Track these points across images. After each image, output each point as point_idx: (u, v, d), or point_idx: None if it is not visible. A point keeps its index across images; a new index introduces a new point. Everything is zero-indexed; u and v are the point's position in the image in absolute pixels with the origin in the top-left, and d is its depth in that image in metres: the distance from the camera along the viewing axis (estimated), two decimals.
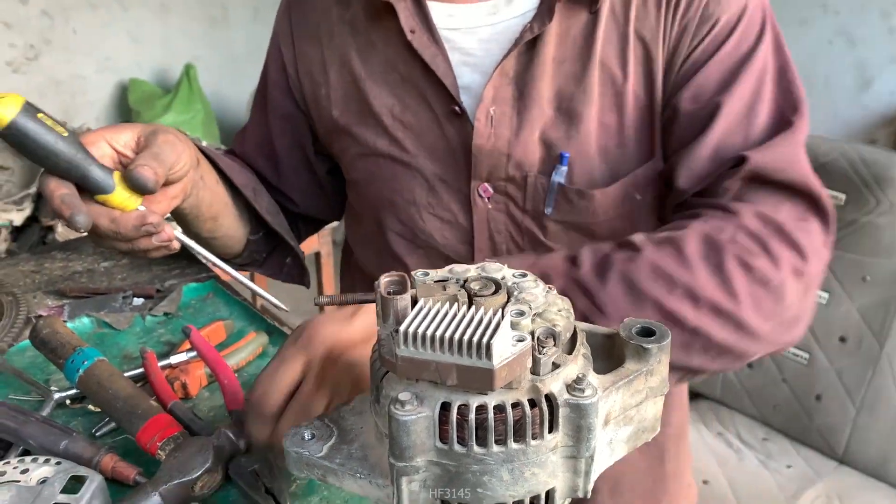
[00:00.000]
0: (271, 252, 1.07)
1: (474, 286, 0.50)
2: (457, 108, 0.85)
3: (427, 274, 0.53)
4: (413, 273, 0.52)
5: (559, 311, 0.49)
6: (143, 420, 0.73)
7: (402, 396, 0.46)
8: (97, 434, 0.79)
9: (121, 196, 0.76)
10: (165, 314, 1.01)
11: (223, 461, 0.71)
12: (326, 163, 1.05)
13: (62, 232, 2.29)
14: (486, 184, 0.86)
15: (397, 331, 0.46)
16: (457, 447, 0.47)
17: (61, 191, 0.73)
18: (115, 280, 1.10)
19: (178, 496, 0.68)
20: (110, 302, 1.02)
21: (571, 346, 0.50)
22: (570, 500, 0.51)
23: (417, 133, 0.88)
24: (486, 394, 0.46)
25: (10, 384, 0.87)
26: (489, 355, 0.44)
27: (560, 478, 0.49)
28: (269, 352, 0.92)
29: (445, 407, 0.46)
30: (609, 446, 0.51)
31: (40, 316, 0.95)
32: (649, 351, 0.51)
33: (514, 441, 0.46)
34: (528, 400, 0.46)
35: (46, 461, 0.68)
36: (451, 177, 0.87)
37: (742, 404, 2.25)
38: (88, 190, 0.75)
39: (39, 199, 2.40)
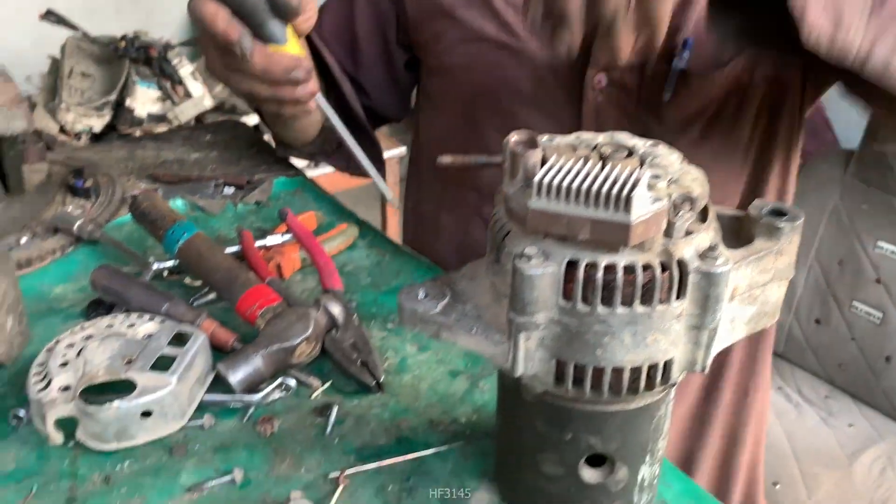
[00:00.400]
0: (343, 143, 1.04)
1: (606, 150, 0.49)
2: None
3: (553, 139, 0.52)
4: (539, 139, 0.51)
5: (694, 179, 0.48)
6: (244, 289, 0.75)
7: (529, 251, 0.46)
8: (194, 304, 0.80)
9: (290, 49, 0.74)
10: (256, 203, 1.02)
11: (321, 334, 0.72)
12: (405, 54, 1.00)
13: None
14: (602, 73, 0.83)
15: (530, 183, 0.45)
16: (580, 306, 0.46)
17: (224, 14, 0.69)
18: (205, 170, 1.12)
19: (277, 361, 0.69)
20: (202, 188, 1.04)
21: (703, 217, 0.48)
22: (684, 373, 0.50)
23: None
24: (616, 252, 0.45)
25: (109, 255, 0.89)
26: (627, 209, 0.43)
27: (680, 348, 0.48)
28: (358, 244, 0.93)
29: (572, 264, 0.46)
30: (731, 324, 0.50)
31: (136, 195, 0.96)
32: (781, 230, 0.50)
33: (641, 304, 0.46)
34: (660, 263, 0.45)
35: (151, 318, 0.70)
36: (565, 66, 0.84)
37: (805, 361, 2.21)
38: (261, 38, 0.73)
39: (118, 107, 2.44)
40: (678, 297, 0.46)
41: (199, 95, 2.41)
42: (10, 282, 0.73)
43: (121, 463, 0.62)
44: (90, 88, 2.46)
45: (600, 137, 0.52)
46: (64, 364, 0.65)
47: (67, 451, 0.63)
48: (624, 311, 0.46)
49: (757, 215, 0.51)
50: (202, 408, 0.67)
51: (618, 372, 0.48)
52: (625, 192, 0.43)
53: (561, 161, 0.46)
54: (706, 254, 0.46)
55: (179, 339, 0.67)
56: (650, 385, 0.49)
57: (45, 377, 0.64)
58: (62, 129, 2.37)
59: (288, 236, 0.88)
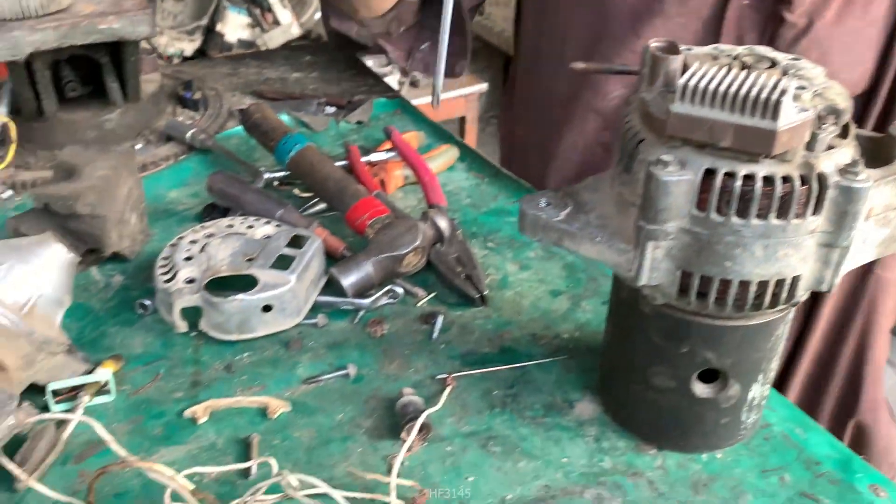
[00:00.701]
0: (420, 25, 0.96)
1: (747, 59, 0.48)
2: None
3: (691, 49, 0.51)
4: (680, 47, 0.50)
5: (838, 94, 0.46)
6: (354, 200, 0.76)
7: (666, 157, 0.46)
8: (303, 212, 0.83)
9: None
10: (358, 122, 1.03)
11: (427, 245, 0.74)
12: None
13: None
14: None
15: (671, 88, 0.45)
16: (714, 216, 0.46)
17: None
18: (307, 89, 1.14)
19: (387, 268, 0.71)
20: (306, 106, 1.06)
21: (844, 133, 0.47)
22: (809, 292, 0.50)
23: None
24: (756, 162, 0.45)
25: (220, 164, 0.92)
26: (775, 115, 0.42)
27: (809, 266, 0.48)
28: (458, 166, 0.94)
29: (710, 173, 0.45)
30: (862, 244, 0.50)
31: (248, 107, 0.99)
32: None
33: (776, 217, 0.45)
34: (800, 175, 0.45)
35: (268, 222, 0.73)
36: None
37: None
38: None
39: (209, 32, 2.48)
40: (814, 212, 0.46)
41: (288, 23, 2.43)
42: (135, 181, 0.77)
43: (241, 353, 0.66)
44: (182, 13, 2.50)
45: (740, 49, 0.51)
46: (188, 258, 0.68)
47: (191, 339, 0.67)
48: (759, 222, 0.45)
49: None
50: (315, 308, 0.70)
51: (744, 285, 0.48)
52: (773, 97, 0.42)
53: (704, 67, 0.46)
54: (846, 169, 0.45)
55: (296, 242, 0.70)
56: (775, 301, 0.49)
57: (170, 269, 0.67)
58: (153, 52, 2.42)
59: (392, 153, 0.89)
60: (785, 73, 0.48)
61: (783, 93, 0.42)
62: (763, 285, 0.48)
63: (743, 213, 0.45)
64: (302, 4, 2.47)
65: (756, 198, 0.45)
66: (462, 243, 0.76)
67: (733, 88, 0.43)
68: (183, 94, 1.04)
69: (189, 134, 0.94)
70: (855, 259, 0.50)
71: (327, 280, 0.71)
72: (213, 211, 0.82)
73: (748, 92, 0.43)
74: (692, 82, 0.44)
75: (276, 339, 0.67)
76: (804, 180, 0.45)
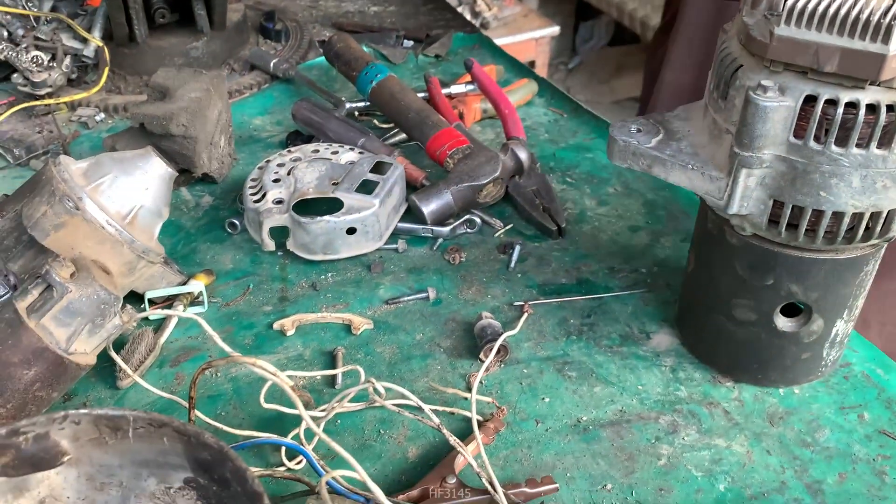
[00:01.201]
0: None
1: None
2: None
3: None
4: None
5: None
6: (435, 130, 0.77)
7: (766, 83, 0.45)
8: (385, 142, 0.84)
9: None
10: (436, 56, 1.03)
11: (507, 177, 0.74)
12: None
13: None
14: None
15: (774, 11, 0.44)
16: (812, 144, 0.45)
17: None
18: (385, 22, 1.14)
19: (466, 198, 0.72)
20: (385, 38, 1.06)
21: None
22: None
23: None
24: (860, 89, 0.44)
25: (303, 93, 0.94)
26: (887, 38, 0.41)
27: None
28: (536, 101, 0.93)
29: (810, 100, 0.45)
30: None
31: (331, 37, 1.00)
32: None
33: (878, 146, 0.44)
34: None
35: (351, 149, 0.74)
36: None
37: None
38: None
39: None
40: None
41: None
42: (224, 104, 0.79)
43: (325, 273, 0.68)
44: None
45: None
46: (276, 180, 0.70)
47: (278, 258, 0.70)
48: (859, 152, 0.45)
49: None
50: (395, 234, 0.71)
51: (838, 217, 0.47)
52: (886, 20, 0.41)
53: None
54: None
55: (379, 168, 0.71)
56: (868, 235, 0.48)
57: (259, 190, 0.70)
58: None
59: (471, 86, 0.89)
60: None
61: (890, 20, 0.41)
62: (857, 217, 0.47)
63: (843, 141, 0.45)
64: None
65: (858, 126, 0.44)
66: (541, 176, 0.77)
67: (843, 10, 0.42)
68: (265, 25, 1.06)
69: (272, 63, 0.96)
70: None
71: (408, 207, 0.72)
72: (297, 138, 0.84)
73: (859, 14, 0.42)
74: (799, 3, 0.43)
75: (359, 262, 0.69)
76: None
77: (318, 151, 0.73)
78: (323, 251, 0.68)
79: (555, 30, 2.61)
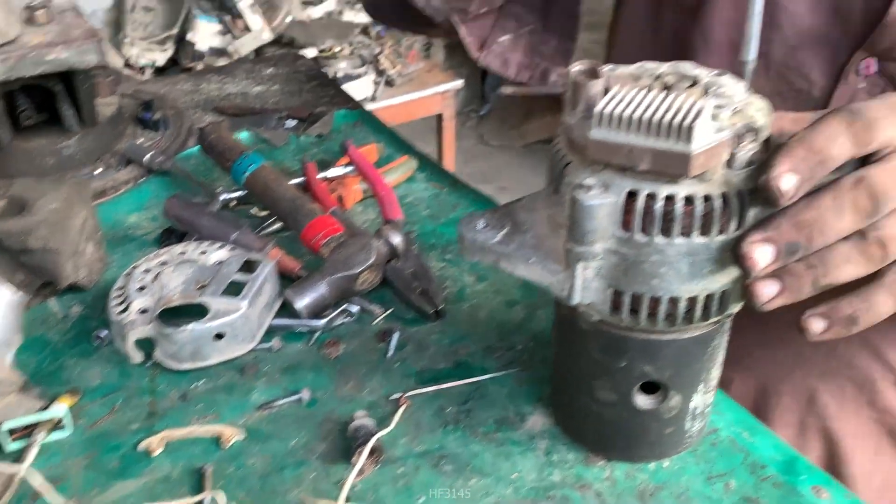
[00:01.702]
0: (502, 12, 0.79)
1: (669, 79, 0.49)
2: None
3: (616, 69, 0.52)
4: (601, 67, 0.51)
5: (759, 110, 0.47)
6: (308, 219, 0.77)
7: (589, 181, 0.46)
8: (261, 233, 0.83)
9: None
10: (318, 136, 1.04)
11: (382, 262, 0.74)
12: None
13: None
14: (873, 59, 0.69)
15: (591, 113, 0.46)
16: (638, 236, 0.47)
17: None
18: (268, 103, 1.14)
19: (341, 287, 0.72)
20: (266, 121, 1.06)
21: (767, 149, 0.48)
22: (741, 305, 0.51)
23: None
24: (676, 183, 0.45)
25: (180, 186, 0.92)
26: (689, 139, 0.43)
27: (739, 281, 0.49)
28: (417, 177, 0.94)
29: (632, 195, 0.46)
30: None
31: (204, 127, 0.99)
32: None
33: (700, 234, 0.46)
34: (720, 194, 0.45)
35: (221, 246, 0.73)
36: (830, 39, 0.70)
37: None
38: None
39: (180, 41, 2.48)
40: (737, 228, 0.46)
41: (259, 29, 2.43)
42: (89, 210, 0.77)
43: (196, 381, 0.66)
44: (152, 23, 2.49)
45: (664, 67, 0.51)
46: (141, 288, 0.68)
47: (146, 370, 0.68)
48: (682, 241, 0.46)
49: None
50: (271, 331, 0.70)
51: (674, 301, 0.49)
52: (687, 121, 0.43)
53: (623, 91, 0.46)
54: None
55: (249, 266, 0.70)
56: (706, 315, 0.50)
57: (124, 300, 0.68)
58: (127, 63, 2.42)
59: (350, 168, 0.90)
60: (706, 91, 0.48)
61: (697, 116, 0.43)
62: (693, 300, 0.49)
63: (666, 232, 0.46)
64: (273, 9, 2.47)
65: (677, 218, 0.46)
66: (417, 257, 0.77)
67: (648, 113, 0.44)
68: (143, 116, 1.05)
69: (148, 156, 0.94)
70: None
71: (282, 302, 0.72)
72: (171, 235, 0.83)
73: (663, 116, 0.43)
74: (608, 109, 0.44)
75: (232, 366, 0.68)
76: (724, 198, 0.46)
77: (185, 253, 0.72)
78: (192, 359, 0.66)
79: (458, 84, 2.66)
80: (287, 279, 0.75)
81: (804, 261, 0.46)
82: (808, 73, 0.72)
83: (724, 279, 0.48)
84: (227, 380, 0.67)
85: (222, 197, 0.87)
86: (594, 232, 0.47)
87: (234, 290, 0.68)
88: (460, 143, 3.31)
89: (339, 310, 0.72)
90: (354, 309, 0.73)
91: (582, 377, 0.56)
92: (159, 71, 2.47)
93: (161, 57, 2.44)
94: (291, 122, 1.07)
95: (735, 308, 0.51)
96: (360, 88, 2.57)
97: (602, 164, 0.46)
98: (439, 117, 2.86)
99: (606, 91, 0.47)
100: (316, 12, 2.66)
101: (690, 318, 0.50)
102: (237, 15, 2.43)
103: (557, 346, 0.59)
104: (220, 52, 2.43)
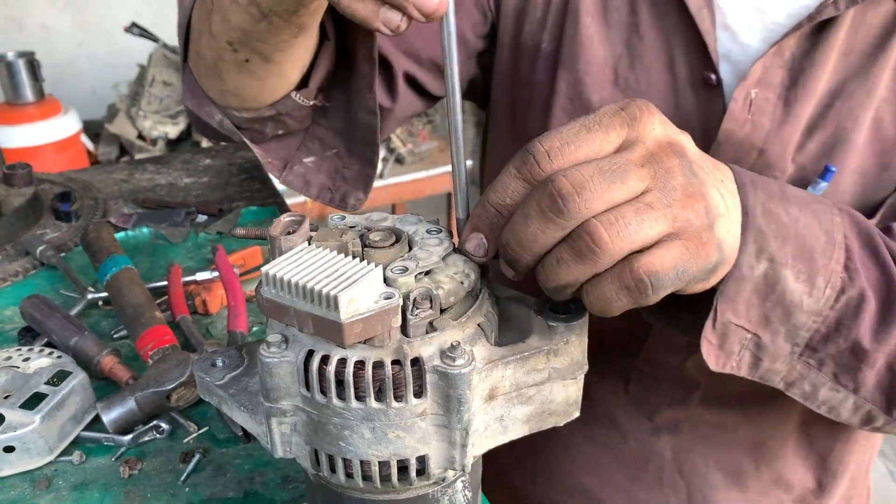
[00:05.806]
0: (308, 135, 0.76)
1: (373, 237, 0.48)
2: (712, 76, 0.70)
3: (344, 218, 0.51)
4: (329, 216, 0.51)
5: (453, 274, 0.46)
6: (144, 328, 0.78)
7: (272, 338, 0.45)
8: (114, 336, 0.84)
9: None
10: (219, 233, 1.05)
11: None
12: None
13: (206, 146, 2.45)
14: None
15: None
16: (318, 397, 0.45)
17: None
18: (190, 195, 1.17)
19: (153, 404, 0.71)
20: (173, 216, 1.08)
21: (463, 311, 0.46)
22: (449, 470, 0.49)
23: (643, 96, 0.69)
24: (351, 346, 0.44)
25: (64, 280, 0.95)
26: (336, 308, 0.42)
27: (434, 446, 0.46)
28: None
29: (311, 354, 0.45)
30: (500, 423, 0.48)
31: (87, 227, 1.01)
32: (555, 329, 0.47)
33: (376, 400, 0.44)
34: (393, 361, 0.44)
35: (49, 354, 0.74)
36: None
37: None
38: None
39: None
40: (417, 396, 0.45)
41: None
42: None
43: None
44: (168, 97, 2.60)
45: (389, 220, 0.51)
46: None
47: None
48: (359, 405, 0.45)
49: (536, 309, 0.48)
50: (79, 443, 0.70)
51: (366, 464, 0.47)
52: (334, 291, 0.42)
53: (306, 250, 0.46)
54: (447, 353, 0.44)
55: (62, 377, 0.71)
56: (406, 479, 0.48)
57: None
58: (140, 136, 2.52)
59: (216, 273, 0.91)
60: (410, 247, 0.47)
61: (351, 285, 0.42)
62: (385, 465, 0.47)
63: (342, 395, 0.45)
64: None
65: (349, 382, 0.44)
66: None
67: (305, 279, 0.43)
68: (59, 207, 1.08)
69: (39, 250, 0.97)
70: (497, 437, 0.48)
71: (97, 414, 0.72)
72: (28, 334, 0.84)
73: (316, 284, 0.42)
74: (273, 270, 0.44)
75: (27, 477, 0.68)
76: (398, 365, 0.44)
77: (10, 359, 0.73)
78: None
79: (468, 164, 2.68)
80: (118, 388, 0.75)
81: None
82: None
83: (415, 445, 0.46)
84: (19, 492, 0.67)
85: (90, 297, 0.88)
86: (279, 389, 0.46)
87: (34, 402, 0.68)
88: None
89: (150, 425, 0.72)
90: (165, 426, 0.72)
91: None
92: (171, 142, 2.56)
93: (173, 130, 2.54)
94: (202, 217, 1.09)
95: (446, 473, 0.49)
96: None
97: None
98: (449, 195, 2.88)
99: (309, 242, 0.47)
100: None
101: (389, 482, 0.48)
102: None
103: (307, 492, 0.57)
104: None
